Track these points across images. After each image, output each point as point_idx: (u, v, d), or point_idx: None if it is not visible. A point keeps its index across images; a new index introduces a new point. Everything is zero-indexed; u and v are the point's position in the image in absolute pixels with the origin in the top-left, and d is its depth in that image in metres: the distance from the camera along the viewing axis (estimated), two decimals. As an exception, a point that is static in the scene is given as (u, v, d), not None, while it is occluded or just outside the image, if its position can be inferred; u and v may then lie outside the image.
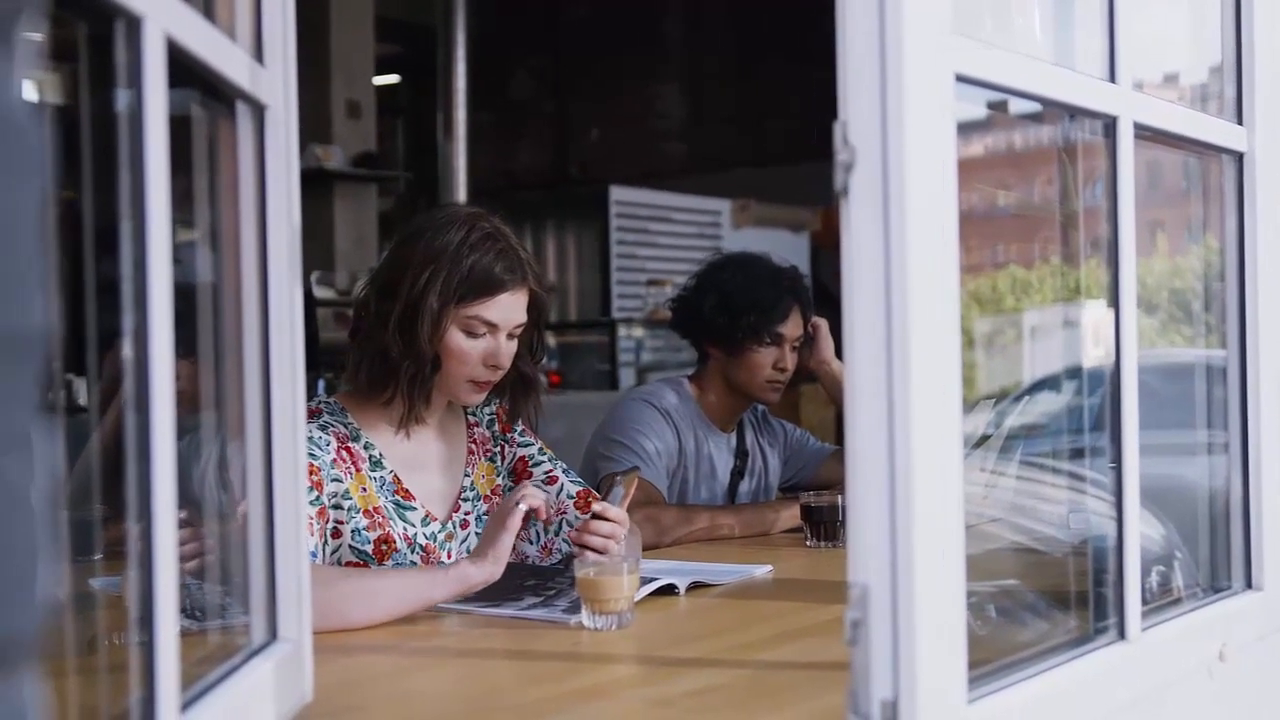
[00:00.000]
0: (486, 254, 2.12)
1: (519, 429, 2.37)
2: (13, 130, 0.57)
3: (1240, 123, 1.74)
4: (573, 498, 2.30)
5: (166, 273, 0.98)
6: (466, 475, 2.29)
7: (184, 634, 1.03)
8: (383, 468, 2.17)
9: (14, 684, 0.57)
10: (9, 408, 0.56)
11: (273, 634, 1.33)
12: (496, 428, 2.36)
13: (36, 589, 0.58)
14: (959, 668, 1.19)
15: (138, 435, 0.97)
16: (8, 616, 0.56)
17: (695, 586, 2.13)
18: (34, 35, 0.61)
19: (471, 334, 2.14)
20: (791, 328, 2.94)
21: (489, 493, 2.31)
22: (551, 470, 2.34)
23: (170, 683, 0.99)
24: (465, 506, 2.27)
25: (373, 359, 2.15)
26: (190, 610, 1.35)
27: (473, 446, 2.32)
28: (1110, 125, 1.46)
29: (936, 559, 1.15)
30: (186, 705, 1.06)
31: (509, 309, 2.15)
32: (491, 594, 1.99)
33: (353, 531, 2.10)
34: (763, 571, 2.30)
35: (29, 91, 0.60)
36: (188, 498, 1.12)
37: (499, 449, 2.35)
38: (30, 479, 0.57)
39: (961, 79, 1.21)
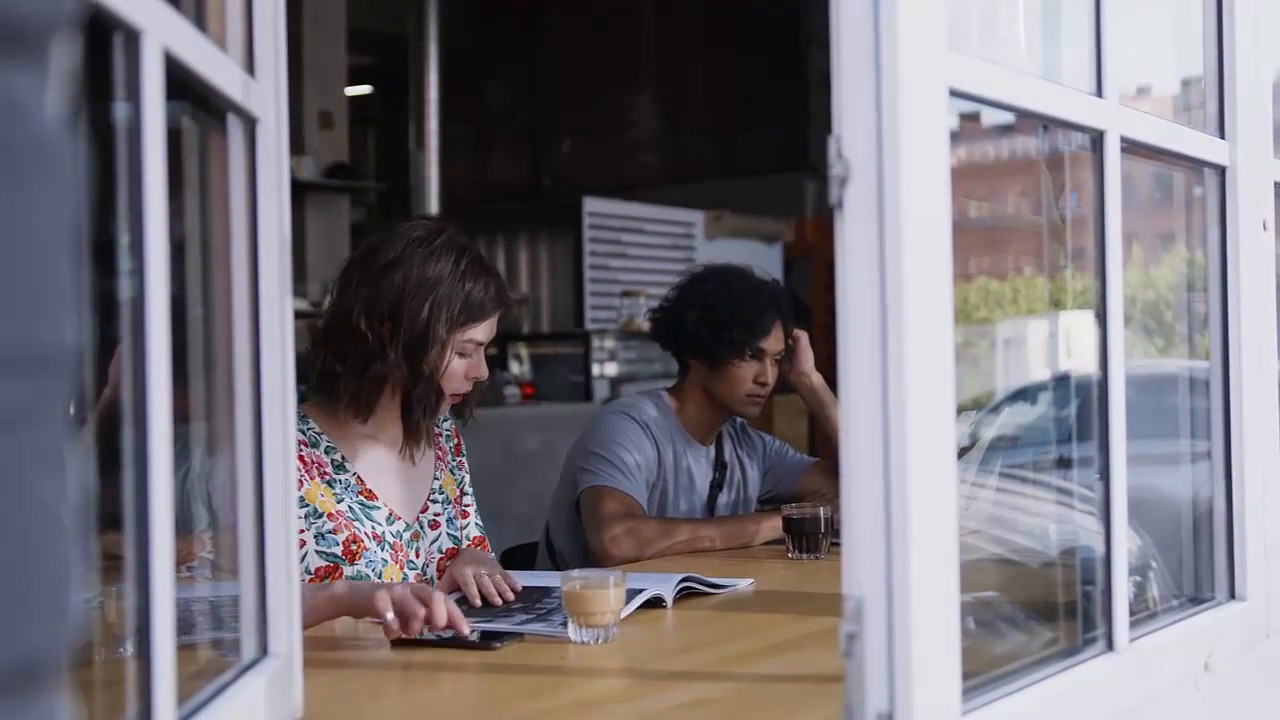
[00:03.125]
0: (478, 280, 2.23)
1: (463, 455, 2.48)
2: (48, 149, 0.57)
3: (1222, 137, 1.76)
4: (469, 540, 2.39)
5: (164, 285, 0.98)
6: (436, 478, 2.37)
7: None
8: (346, 470, 2.23)
9: (47, 701, 0.56)
10: (43, 426, 0.55)
11: (263, 650, 1.32)
12: (452, 445, 2.45)
13: (69, 607, 0.57)
14: (954, 679, 1.19)
15: (135, 449, 0.96)
16: (42, 634, 0.56)
17: (685, 594, 2.13)
18: (66, 53, 0.61)
19: (463, 354, 2.24)
20: (773, 342, 2.94)
21: (454, 499, 2.40)
22: (469, 506, 2.45)
23: (167, 699, 0.98)
24: (434, 508, 2.35)
25: (370, 386, 2.20)
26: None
27: (439, 453, 2.40)
28: (1098, 139, 1.47)
29: (932, 571, 1.15)
30: (180, 722, 1.05)
31: (493, 327, 2.28)
32: (483, 613, 1.98)
33: (317, 536, 2.15)
34: (745, 584, 2.30)
35: (61, 109, 0.60)
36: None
37: (456, 463, 2.45)
38: (63, 497, 0.56)
39: (955, 93, 1.21)
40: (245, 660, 1.30)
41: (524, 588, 2.18)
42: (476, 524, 2.45)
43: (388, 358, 2.17)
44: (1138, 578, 1.75)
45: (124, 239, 0.96)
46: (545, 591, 2.14)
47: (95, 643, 1.37)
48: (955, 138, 1.43)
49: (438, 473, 2.37)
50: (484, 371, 2.28)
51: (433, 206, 8.50)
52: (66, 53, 0.62)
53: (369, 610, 1.81)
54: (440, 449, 2.40)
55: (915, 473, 1.13)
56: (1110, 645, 1.48)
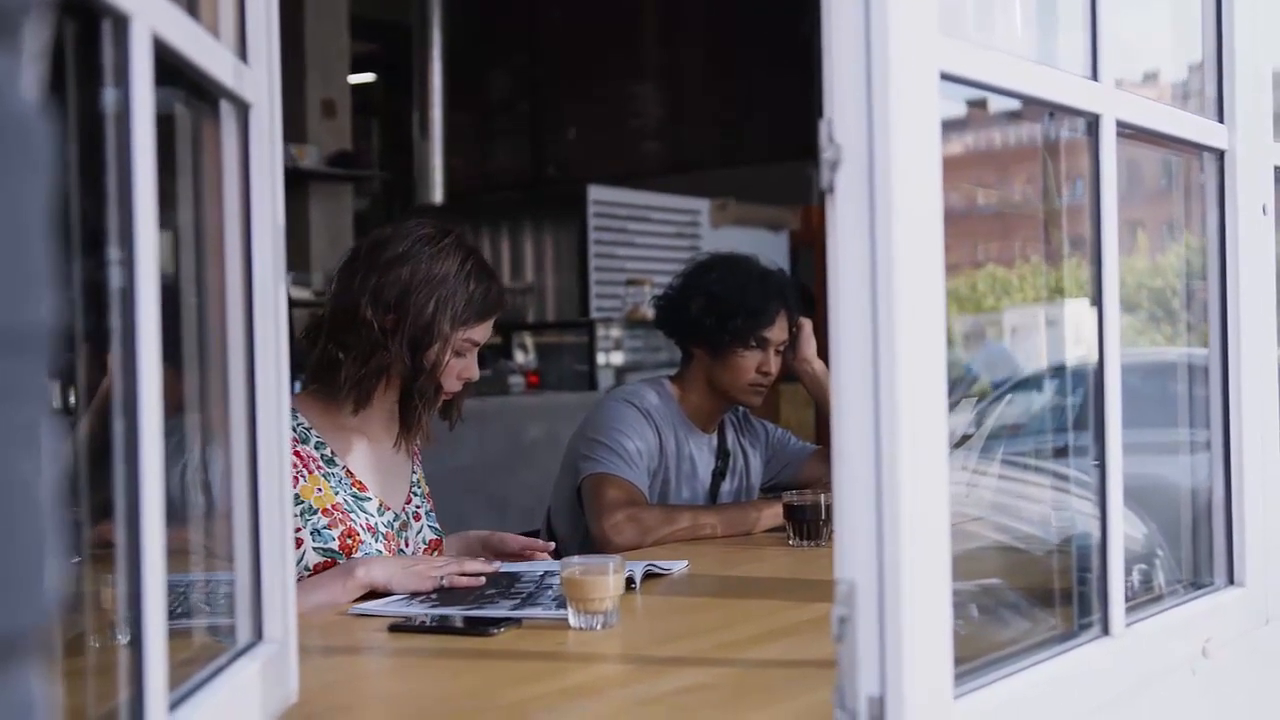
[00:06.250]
0: (480, 282, 2.26)
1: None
2: (20, 128, 0.57)
3: (1221, 120, 1.75)
4: (425, 544, 2.38)
5: (154, 273, 0.98)
6: (414, 472, 2.41)
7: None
8: (335, 465, 2.24)
9: (22, 679, 0.57)
10: (18, 403, 0.56)
11: (258, 634, 1.33)
12: (419, 444, 2.46)
13: (45, 585, 0.58)
14: (945, 664, 1.19)
15: (125, 437, 0.96)
16: (17, 612, 0.56)
17: (648, 577, 2.17)
18: (40, 32, 0.61)
19: (460, 353, 2.26)
20: (777, 332, 2.93)
21: (425, 495, 2.43)
22: (429, 507, 2.44)
23: (159, 683, 0.98)
24: (416, 500, 2.39)
25: (371, 376, 2.22)
26: (173, 610, 1.35)
27: (415, 449, 2.43)
28: (1093, 123, 1.47)
29: (923, 556, 1.15)
30: (173, 706, 1.05)
31: (490, 329, 2.31)
32: (469, 601, 1.98)
33: (313, 533, 2.16)
34: (681, 566, 2.31)
35: (34, 88, 0.60)
36: (169, 499, 1.12)
37: (420, 461, 2.47)
38: (39, 475, 0.57)
39: (947, 77, 1.21)
40: (240, 645, 1.30)
41: (501, 573, 2.18)
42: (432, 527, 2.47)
43: (390, 349, 2.19)
44: (1144, 566, 1.75)
45: (114, 228, 0.96)
46: (513, 578, 2.14)
47: (91, 630, 1.37)
48: (961, 125, 1.43)
49: (415, 466, 2.42)
50: (475, 373, 2.32)
51: (436, 195, 8.50)
52: (39, 34, 0.62)
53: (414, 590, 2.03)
54: (416, 444, 2.43)
55: (906, 455, 1.13)
56: (1106, 630, 1.48)
